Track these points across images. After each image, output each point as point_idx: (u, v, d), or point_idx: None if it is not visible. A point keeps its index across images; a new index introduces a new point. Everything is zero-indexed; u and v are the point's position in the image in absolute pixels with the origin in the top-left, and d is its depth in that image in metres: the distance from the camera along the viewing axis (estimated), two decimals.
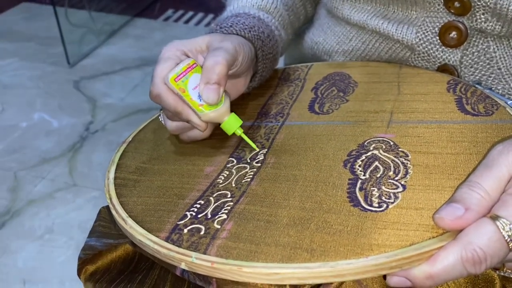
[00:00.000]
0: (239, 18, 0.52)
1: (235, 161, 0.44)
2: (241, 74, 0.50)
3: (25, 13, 2.38)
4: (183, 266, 0.34)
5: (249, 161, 0.44)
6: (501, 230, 0.30)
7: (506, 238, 0.30)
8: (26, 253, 1.22)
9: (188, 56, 0.47)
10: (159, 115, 0.49)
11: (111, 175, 0.44)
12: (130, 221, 0.38)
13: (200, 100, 0.44)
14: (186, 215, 0.38)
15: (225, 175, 0.42)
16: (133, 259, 0.42)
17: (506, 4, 0.47)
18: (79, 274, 0.41)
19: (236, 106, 0.53)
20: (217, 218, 0.37)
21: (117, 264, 0.42)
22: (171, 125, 0.47)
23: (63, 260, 1.20)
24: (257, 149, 0.45)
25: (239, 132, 0.46)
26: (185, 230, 0.36)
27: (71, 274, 1.17)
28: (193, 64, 0.45)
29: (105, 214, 0.44)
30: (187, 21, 2.33)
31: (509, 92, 0.53)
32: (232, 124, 0.45)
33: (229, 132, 0.45)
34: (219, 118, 0.45)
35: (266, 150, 0.45)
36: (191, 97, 0.44)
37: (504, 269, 0.36)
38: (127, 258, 0.42)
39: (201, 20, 2.32)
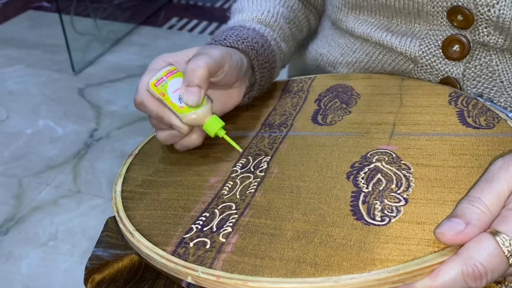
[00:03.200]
0: (233, 31, 0.53)
1: (239, 171, 0.44)
2: (232, 84, 0.50)
3: (31, 20, 2.39)
4: (189, 280, 0.34)
5: (252, 170, 0.44)
6: (501, 246, 0.30)
7: (506, 254, 0.30)
8: (30, 260, 1.23)
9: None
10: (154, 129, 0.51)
11: (118, 188, 0.45)
12: (137, 234, 0.39)
13: (180, 103, 0.45)
14: (192, 228, 0.38)
15: (230, 186, 0.43)
16: (139, 268, 0.42)
17: (509, 17, 0.47)
18: (85, 283, 0.42)
19: (240, 117, 0.54)
20: (222, 231, 0.37)
21: (123, 273, 0.42)
22: (161, 135, 0.48)
23: (66, 267, 1.20)
24: (240, 150, 0.47)
25: (221, 133, 0.47)
26: (191, 244, 0.37)
27: (74, 281, 1.17)
28: (173, 70, 0.47)
29: (112, 225, 0.45)
30: (191, 29, 2.34)
31: (511, 105, 0.54)
32: (214, 125, 0.46)
33: (211, 134, 0.47)
34: (200, 120, 0.46)
35: (269, 158, 0.45)
36: (171, 100, 0.45)
37: (506, 283, 0.37)
38: (133, 267, 0.42)
39: (205, 29, 2.34)
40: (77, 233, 1.30)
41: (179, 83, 0.45)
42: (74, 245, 1.27)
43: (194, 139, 0.47)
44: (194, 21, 2.40)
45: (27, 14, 2.46)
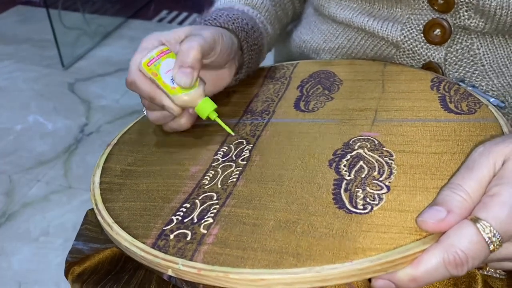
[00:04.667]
0: (222, 11, 0.53)
1: (220, 159, 0.44)
2: (224, 65, 0.50)
3: (19, 16, 2.37)
4: (170, 272, 0.34)
5: (234, 158, 0.44)
6: (482, 232, 0.30)
7: (486, 240, 0.30)
8: (21, 256, 1.22)
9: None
10: (143, 108, 0.50)
11: (97, 179, 0.44)
12: (116, 227, 0.38)
13: (173, 84, 0.45)
14: (172, 220, 0.38)
15: (211, 175, 0.42)
16: (119, 259, 0.42)
17: (489, 0, 0.47)
18: (66, 275, 0.42)
19: (222, 103, 0.53)
20: (203, 223, 0.37)
21: (104, 264, 0.42)
22: (152, 115, 0.48)
23: (58, 262, 1.20)
24: (232, 133, 0.47)
25: (213, 116, 0.46)
26: (172, 236, 0.36)
27: None
28: (166, 50, 0.46)
29: (91, 217, 0.44)
30: (181, 22, 2.33)
31: (492, 89, 0.53)
32: (206, 107, 0.46)
33: (203, 116, 0.46)
34: (192, 102, 0.45)
35: (251, 146, 0.45)
36: (163, 80, 0.45)
37: (487, 268, 0.37)
38: (114, 258, 0.42)
39: (195, 21, 2.32)
40: (68, 228, 1.29)
41: (172, 64, 0.45)
42: (66, 240, 1.26)
43: (184, 122, 0.47)
44: (184, 14, 2.39)
45: (16, 9, 2.44)
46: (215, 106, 0.46)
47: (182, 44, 0.45)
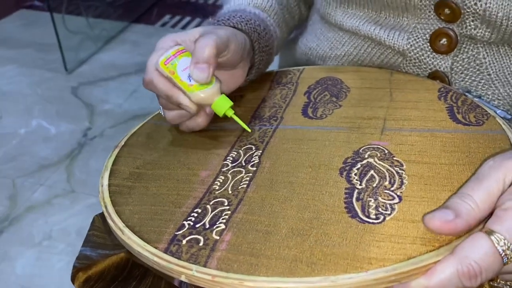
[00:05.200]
0: (235, 12, 0.54)
1: (230, 165, 0.44)
2: (237, 64, 0.51)
3: (22, 20, 2.38)
4: (183, 278, 0.34)
5: (244, 164, 0.44)
6: (496, 245, 0.31)
7: (500, 253, 0.31)
8: (24, 260, 1.22)
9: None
10: (160, 108, 0.51)
11: (105, 181, 0.44)
12: (127, 231, 0.38)
13: (190, 81, 0.46)
14: (184, 225, 0.38)
15: (221, 180, 0.42)
16: (126, 265, 0.42)
17: (495, 11, 0.47)
18: (73, 280, 0.42)
19: None
20: (215, 228, 0.37)
21: (111, 269, 0.42)
22: (169, 114, 0.49)
23: (61, 267, 1.20)
24: (249, 130, 0.48)
25: (230, 113, 0.47)
26: (184, 241, 0.36)
27: (69, 280, 1.17)
28: (182, 50, 0.47)
29: (99, 223, 0.44)
30: (184, 26, 2.34)
31: (498, 98, 0.54)
32: (222, 105, 0.47)
33: (220, 113, 0.47)
34: (209, 99, 0.46)
35: (261, 152, 0.45)
36: (180, 78, 0.46)
37: (498, 280, 0.37)
38: (121, 263, 0.42)
39: (199, 26, 2.33)
40: (71, 233, 1.29)
41: (188, 62, 0.46)
42: (68, 244, 1.26)
43: (200, 121, 0.48)
44: (187, 18, 2.39)
45: (19, 14, 2.45)
46: (231, 103, 0.47)
47: (197, 42, 0.46)
